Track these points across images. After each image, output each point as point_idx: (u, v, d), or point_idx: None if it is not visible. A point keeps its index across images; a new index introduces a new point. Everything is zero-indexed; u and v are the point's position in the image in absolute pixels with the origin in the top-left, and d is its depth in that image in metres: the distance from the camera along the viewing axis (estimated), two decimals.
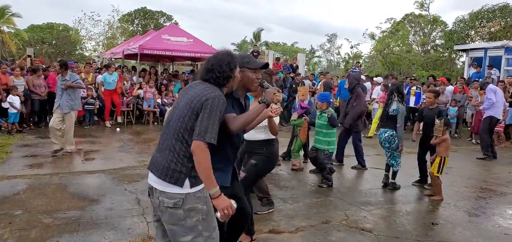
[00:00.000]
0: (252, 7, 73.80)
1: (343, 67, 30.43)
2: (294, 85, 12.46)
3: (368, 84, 13.30)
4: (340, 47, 39.06)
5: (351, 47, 34.69)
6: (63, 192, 5.15)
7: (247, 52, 30.21)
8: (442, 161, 5.46)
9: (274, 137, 3.64)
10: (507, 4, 24.01)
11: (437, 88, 10.25)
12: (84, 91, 10.49)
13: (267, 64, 2.97)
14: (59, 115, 7.29)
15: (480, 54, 15.63)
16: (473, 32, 25.68)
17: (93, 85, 11.82)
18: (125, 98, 11.88)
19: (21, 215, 4.30)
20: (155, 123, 11.96)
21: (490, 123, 8.94)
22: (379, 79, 13.59)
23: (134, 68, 14.59)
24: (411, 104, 12.38)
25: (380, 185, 6.01)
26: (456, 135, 11.62)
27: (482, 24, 25.15)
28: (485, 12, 24.70)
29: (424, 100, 12.08)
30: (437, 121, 5.55)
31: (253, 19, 74.93)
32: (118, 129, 10.64)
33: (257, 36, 37.26)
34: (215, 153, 2.30)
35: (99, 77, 11.88)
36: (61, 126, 7.34)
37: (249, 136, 3.66)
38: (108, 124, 11.29)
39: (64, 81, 7.28)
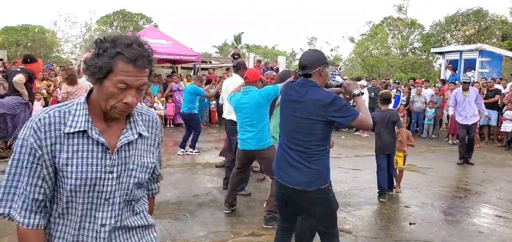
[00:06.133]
0: (233, 10, 73.92)
1: None
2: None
3: None
4: (320, 50, 39.46)
5: (331, 50, 35.11)
6: None
7: (228, 55, 30.14)
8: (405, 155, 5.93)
9: None
10: (480, 9, 24.77)
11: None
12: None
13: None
14: None
15: (456, 57, 16.04)
16: (448, 35, 26.37)
17: None
18: None
19: None
20: None
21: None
22: (363, 82, 13.80)
23: None
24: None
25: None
26: (433, 136, 11.85)
27: (457, 28, 25.86)
28: (460, 16, 25.39)
29: (403, 103, 12.34)
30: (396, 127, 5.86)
31: (234, 21, 75.05)
32: None
33: (238, 38, 37.23)
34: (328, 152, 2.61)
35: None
36: None
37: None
38: None
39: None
